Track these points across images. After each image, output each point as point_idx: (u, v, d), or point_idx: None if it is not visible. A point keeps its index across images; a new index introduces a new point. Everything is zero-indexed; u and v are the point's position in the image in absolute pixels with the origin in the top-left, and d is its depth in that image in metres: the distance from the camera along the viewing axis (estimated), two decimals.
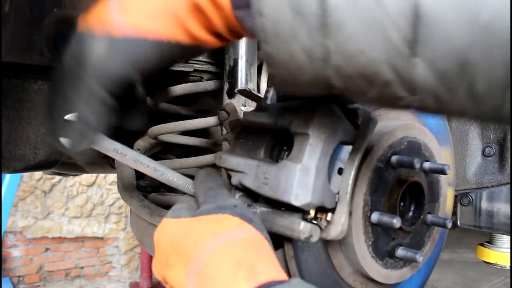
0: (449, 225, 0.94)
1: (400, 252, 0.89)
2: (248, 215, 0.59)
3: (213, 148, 1.09)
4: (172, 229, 0.59)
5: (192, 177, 0.74)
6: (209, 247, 0.53)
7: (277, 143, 0.76)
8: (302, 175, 0.63)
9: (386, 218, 0.81)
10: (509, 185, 1.37)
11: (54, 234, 4.96)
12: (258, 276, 0.50)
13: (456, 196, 1.42)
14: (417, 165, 0.82)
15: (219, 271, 0.51)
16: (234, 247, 0.53)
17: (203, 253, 0.53)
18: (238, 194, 0.74)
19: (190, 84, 1.09)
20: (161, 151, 1.21)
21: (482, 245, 1.66)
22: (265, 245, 0.56)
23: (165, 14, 0.55)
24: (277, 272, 0.52)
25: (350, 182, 0.74)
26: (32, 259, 4.90)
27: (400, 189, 0.86)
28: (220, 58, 1.13)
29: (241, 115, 0.86)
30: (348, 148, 0.73)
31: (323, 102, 0.69)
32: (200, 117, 1.06)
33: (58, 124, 0.57)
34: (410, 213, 0.93)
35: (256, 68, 1.05)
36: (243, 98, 1.00)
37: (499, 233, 1.58)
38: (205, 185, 0.68)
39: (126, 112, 0.63)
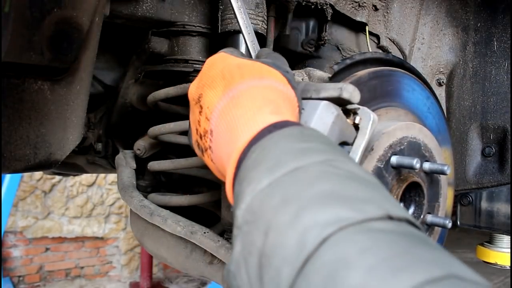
0: (449, 225, 0.93)
1: None
2: (295, 84, 0.64)
3: None
4: (227, 60, 0.66)
5: (192, 177, 0.74)
6: (252, 82, 0.60)
7: None
8: None
9: None
10: (509, 185, 1.37)
11: (54, 234, 4.96)
12: (281, 115, 0.56)
13: (456, 196, 1.42)
14: (417, 166, 0.82)
15: (251, 101, 0.58)
16: (271, 91, 0.60)
17: (244, 84, 0.60)
18: None
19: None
20: (161, 151, 1.21)
21: (482, 245, 1.65)
22: (295, 107, 0.62)
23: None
24: (297, 120, 0.59)
25: None
26: (32, 259, 4.90)
27: (400, 189, 0.86)
28: None
29: None
30: (348, 148, 0.73)
31: (323, 102, 0.69)
32: None
33: None
34: (410, 213, 0.93)
35: None
36: None
37: (499, 233, 1.57)
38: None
39: None
